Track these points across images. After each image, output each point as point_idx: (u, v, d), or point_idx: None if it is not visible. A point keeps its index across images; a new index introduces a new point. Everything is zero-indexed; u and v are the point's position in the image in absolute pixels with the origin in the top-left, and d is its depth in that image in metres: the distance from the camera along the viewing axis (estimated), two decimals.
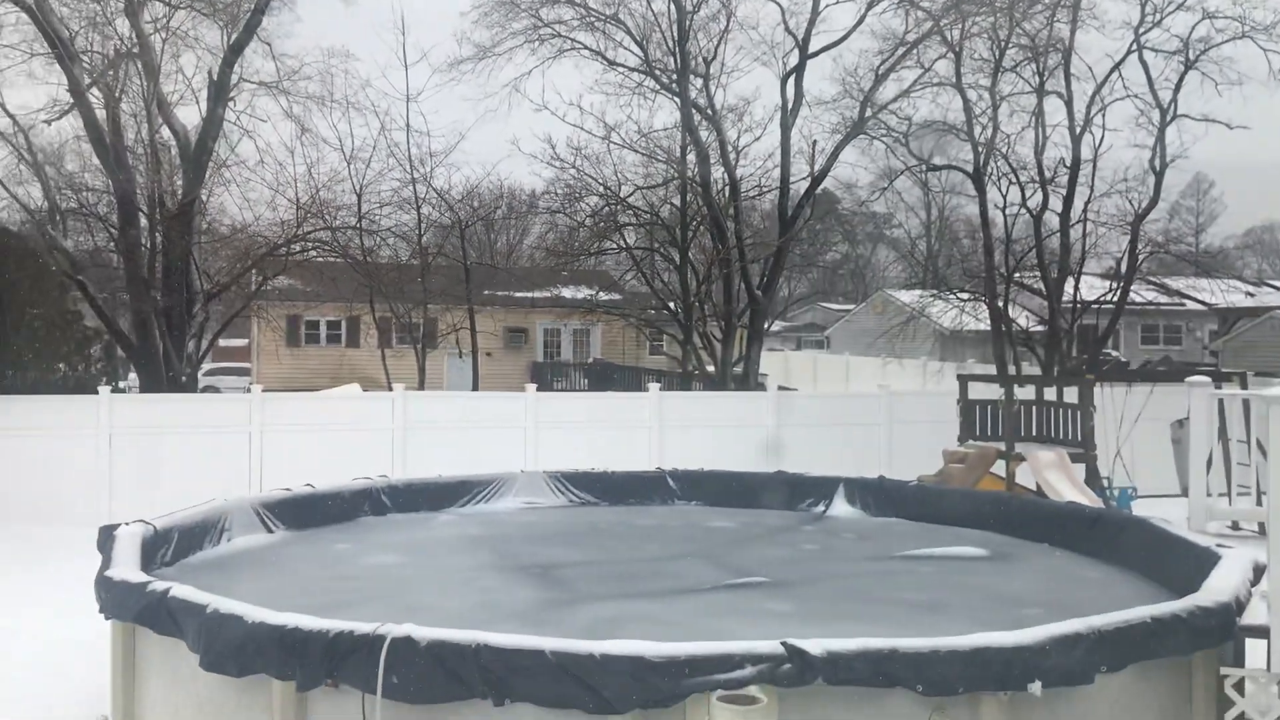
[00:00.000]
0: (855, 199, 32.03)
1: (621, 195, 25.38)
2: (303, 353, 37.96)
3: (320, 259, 25.67)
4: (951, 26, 23.35)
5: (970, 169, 25.36)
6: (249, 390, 16.79)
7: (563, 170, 25.44)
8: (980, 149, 24.68)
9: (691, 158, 23.96)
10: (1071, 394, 15.08)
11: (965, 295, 27.92)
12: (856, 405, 19.36)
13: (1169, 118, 24.51)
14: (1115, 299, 25.97)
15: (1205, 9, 23.44)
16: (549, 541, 9.47)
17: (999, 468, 14.68)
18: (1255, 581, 6.15)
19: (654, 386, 18.24)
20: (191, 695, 5.67)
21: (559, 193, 26.69)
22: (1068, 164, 24.81)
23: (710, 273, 25.09)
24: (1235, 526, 13.98)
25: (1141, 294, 30.50)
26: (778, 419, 17.68)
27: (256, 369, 36.76)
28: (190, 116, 21.77)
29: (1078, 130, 24.60)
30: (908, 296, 38.32)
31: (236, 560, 8.20)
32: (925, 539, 9.21)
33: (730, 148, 23.96)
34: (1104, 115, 24.92)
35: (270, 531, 9.06)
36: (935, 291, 30.51)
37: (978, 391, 16.00)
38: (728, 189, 24.00)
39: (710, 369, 24.95)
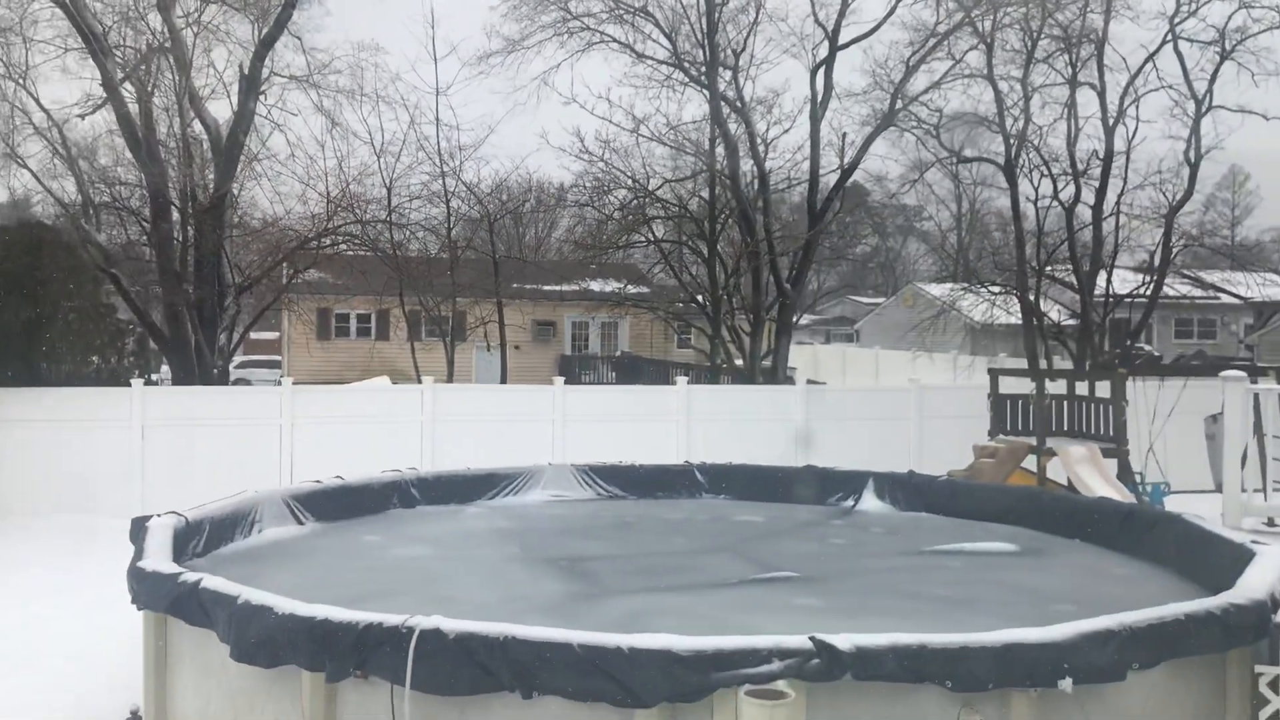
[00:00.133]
0: (885, 191, 31.80)
1: (650, 188, 25.38)
2: (333, 345, 38.18)
3: (350, 252, 25.86)
4: (983, 17, 23.18)
5: (1002, 161, 25.15)
6: (280, 383, 16.91)
7: (591, 163, 25.50)
8: (1012, 141, 24.47)
9: (720, 150, 23.91)
10: (1104, 388, 14.93)
11: (996, 289, 27.70)
12: (886, 399, 19.27)
13: (1204, 109, 24.20)
14: (1148, 292, 25.68)
15: None
16: (576, 534, 9.47)
17: (1030, 463, 14.57)
18: None
19: (682, 380, 18.22)
20: (222, 685, 5.71)
21: (587, 186, 26.73)
22: (1100, 156, 24.55)
23: (739, 266, 25.05)
24: (1270, 523, 13.83)
25: (1175, 287, 30.07)
26: (806, 413, 17.63)
27: (287, 362, 37.01)
28: (221, 110, 21.95)
29: (1111, 122, 24.33)
30: (938, 290, 38.07)
31: (267, 552, 8.26)
32: (955, 534, 9.16)
33: (759, 140, 23.89)
34: (1138, 106, 24.66)
35: (300, 523, 9.11)
36: (966, 285, 30.28)
37: (1009, 386, 15.88)
38: (756, 182, 23.93)
39: (738, 362, 24.90)
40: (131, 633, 6.68)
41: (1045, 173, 25.31)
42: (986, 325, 30.67)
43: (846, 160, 24.35)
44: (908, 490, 10.57)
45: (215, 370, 20.68)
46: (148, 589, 6.14)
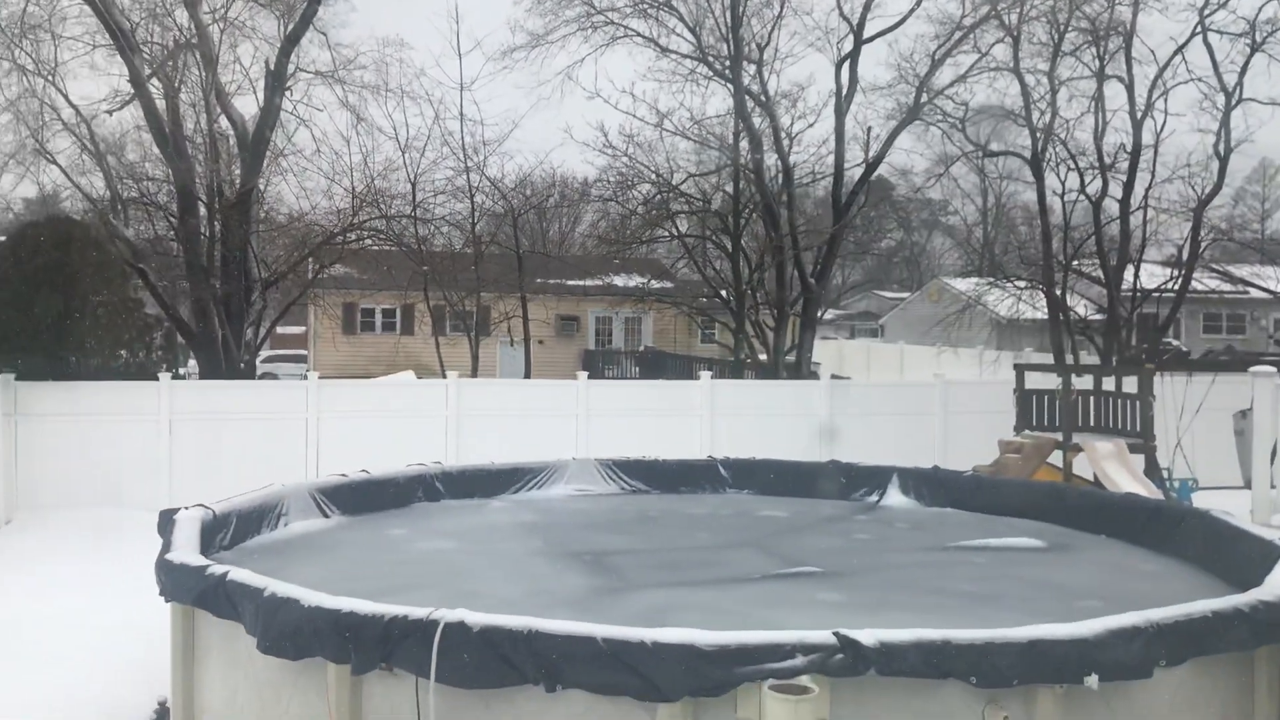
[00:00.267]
0: (910, 185, 31.68)
1: (674, 183, 25.37)
2: (359, 340, 38.37)
3: (376, 247, 25.98)
4: (1009, 10, 23.00)
5: (1028, 155, 24.97)
6: (306, 377, 17.01)
7: (615, 158, 25.53)
8: (1038, 134, 24.29)
9: (744, 145, 23.87)
10: (1131, 384, 14.83)
11: (1022, 283, 27.54)
12: (911, 394, 19.21)
13: (1234, 101, 23.94)
14: (1176, 287, 25.48)
15: None
16: (600, 529, 9.48)
17: (1056, 458, 14.49)
18: None
19: (706, 374, 18.22)
20: (249, 677, 5.75)
21: (611, 180, 26.76)
22: (1128, 149, 24.33)
23: (763, 260, 25.01)
24: None
25: (1204, 282, 29.82)
26: (830, 408, 17.59)
27: (313, 356, 37.20)
28: (248, 106, 22.10)
29: (1139, 115, 24.12)
30: (964, 284, 37.90)
31: (293, 545, 8.30)
32: (980, 530, 9.11)
33: (784, 134, 23.84)
34: (1166, 99, 24.40)
35: (326, 516, 9.16)
36: (992, 279, 30.13)
37: (1034, 381, 15.80)
38: (781, 176, 23.87)
39: (762, 357, 24.87)
40: (159, 625, 6.73)
41: (1072, 166, 25.14)
42: (1012, 320, 30.50)
43: (871, 154, 24.28)
44: (932, 485, 10.52)
45: (242, 364, 20.83)
46: (175, 581, 6.18)
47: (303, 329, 42.09)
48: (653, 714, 4.65)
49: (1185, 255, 25.58)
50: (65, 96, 21.95)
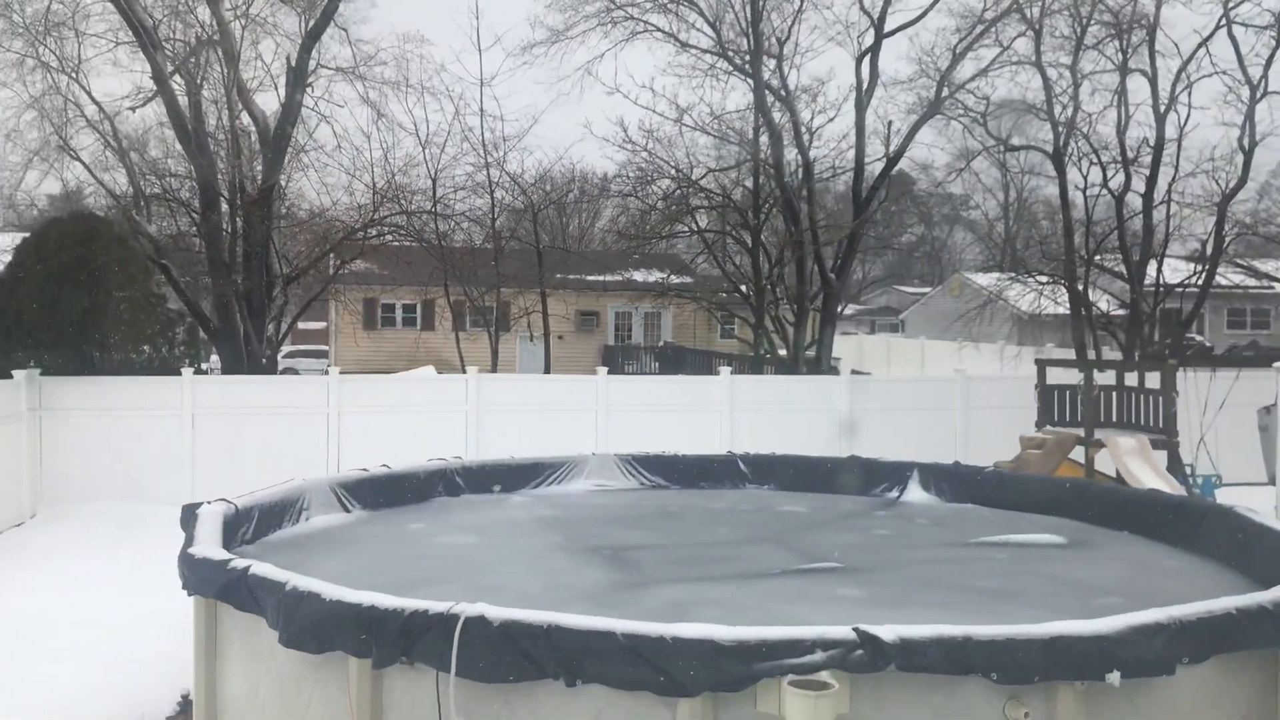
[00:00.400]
0: (931, 180, 31.67)
1: (693, 178, 25.34)
2: (379, 335, 38.52)
3: (396, 243, 26.02)
4: (1031, 3, 22.89)
5: (1050, 149, 24.84)
6: (327, 372, 17.08)
7: (635, 153, 25.51)
8: (1060, 128, 24.16)
9: (764, 140, 23.82)
10: (1153, 379, 14.74)
11: (1044, 278, 27.37)
12: (932, 390, 19.14)
13: (1259, 94, 23.72)
14: (1200, 282, 25.29)
15: None
16: (620, 524, 9.49)
17: (1078, 454, 14.41)
18: None
19: (725, 370, 18.19)
20: (271, 670, 5.79)
21: (631, 176, 26.76)
22: (1151, 143, 24.15)
23: (783, 255, 24.95)
24: None
25: (1228, 277, 29.61)
26: (851, 403, 17.54)
27: (334, 351, 37.39)
28: (269, 102, 22.19)
29: (1162, 109, 23.94)
30: (985, 279, 37.70)
31: (315, 539, 8.33)
32: (1001, 526, 9.07)
33: (804, 129, 23.77)
34: (1190, 93, 24.22)
35: (348, 511, 9.20)
36: (1013, 274, 29.94)
37: (1056, 376, 15.71)
38: (801, 171, 23.81)
39: (782, 353, 24.83)
40: (182, 618, 6.77)
41: (1094, 160, 24.96)
42: (1034, 315, 30.32)
43: (892, 149, 24.19)
44: (953, 481, 10.48)
45: (264, 360, 20.93)
46: (198, 575, 6.22)
47: (324, 324, 42.30)
48: (673, 709, 4.66)
49: (1209, 250, 25.38)
50: (88, 93, 22.10)
